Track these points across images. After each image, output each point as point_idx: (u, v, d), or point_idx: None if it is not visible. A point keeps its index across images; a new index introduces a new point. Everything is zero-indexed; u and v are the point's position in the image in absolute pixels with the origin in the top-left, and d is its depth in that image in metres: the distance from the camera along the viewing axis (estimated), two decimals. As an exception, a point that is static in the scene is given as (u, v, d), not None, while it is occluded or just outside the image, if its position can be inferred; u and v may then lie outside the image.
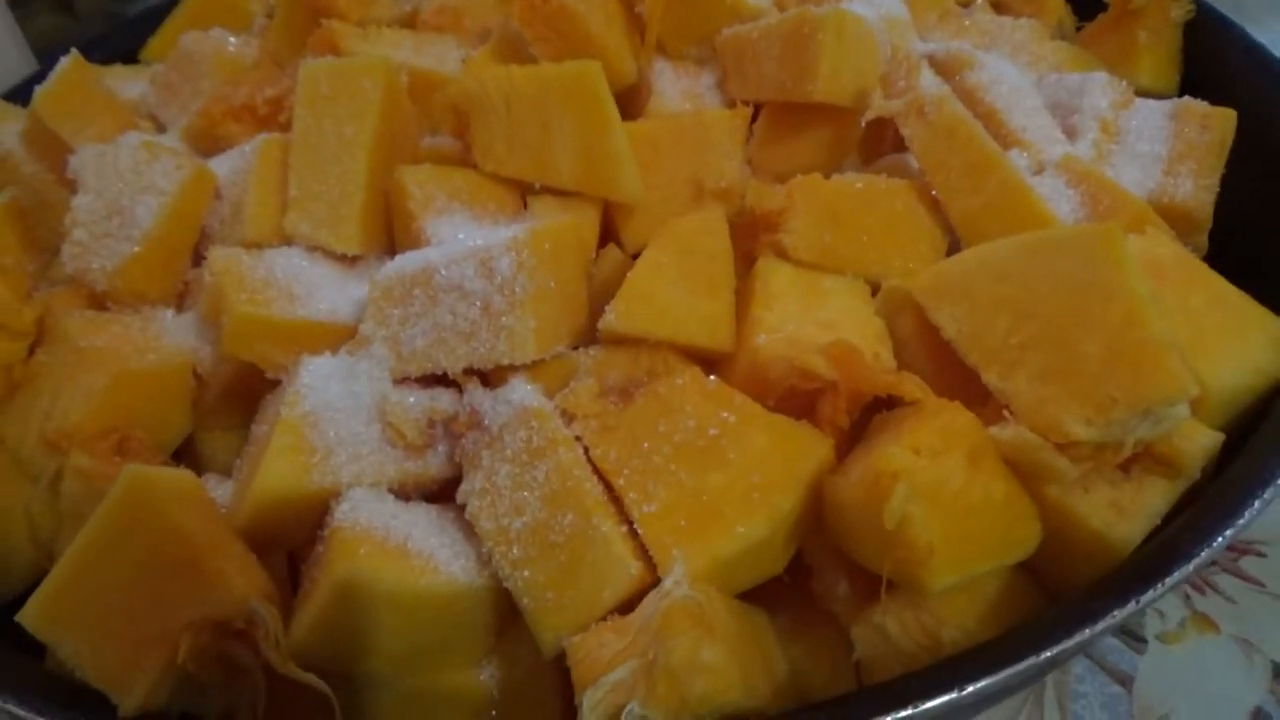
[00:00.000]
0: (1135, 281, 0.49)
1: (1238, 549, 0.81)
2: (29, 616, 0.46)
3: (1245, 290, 0.61)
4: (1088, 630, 0.42)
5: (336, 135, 0.65)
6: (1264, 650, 0.74)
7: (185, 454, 0.67)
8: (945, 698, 0.40)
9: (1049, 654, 0.41)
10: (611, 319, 0.58)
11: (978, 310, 0.54)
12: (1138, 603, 0.43)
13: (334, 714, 0.51)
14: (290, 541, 0.57)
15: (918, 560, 0.45)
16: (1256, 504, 0.46)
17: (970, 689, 0.41)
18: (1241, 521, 0.46)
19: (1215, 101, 0.73)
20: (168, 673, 0.46)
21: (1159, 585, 0.44)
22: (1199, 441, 0.51)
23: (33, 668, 0.49)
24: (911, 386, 0.51)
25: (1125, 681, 0.73)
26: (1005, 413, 0.51)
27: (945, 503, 0.46)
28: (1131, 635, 0.75)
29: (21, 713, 0.44)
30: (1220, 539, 0.45)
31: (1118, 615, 0.43)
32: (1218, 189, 0.72)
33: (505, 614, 0.55)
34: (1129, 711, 0.71)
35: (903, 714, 0.40)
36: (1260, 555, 0.80)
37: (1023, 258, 0.54)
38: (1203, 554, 0.45)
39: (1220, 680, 0.72)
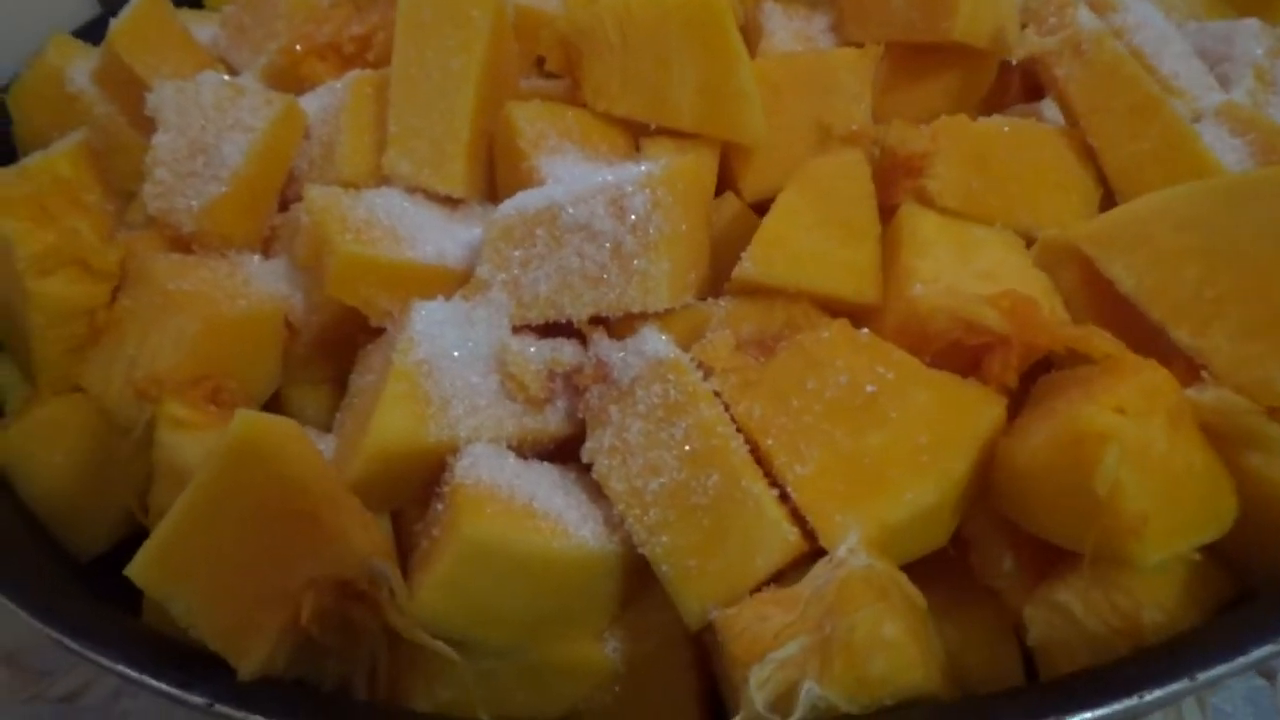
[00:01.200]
0: None
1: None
2: (139, 571, 0.42)
3: None
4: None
5: (441, 68, 0.61)
6: None
7: (271, 409, 0.63)
8: (1176, 685, 0.36)
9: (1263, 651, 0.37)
10: (748, 266, 0.53)
11: (1161, 261, 0.49)
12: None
13: (453, 683, 0.47)
14: (399, 499, 0.53)
15: (1129, 530, 0.40)
16: None
17: (1204, 676, 0.36)
18: None
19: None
20: (287, 634, 0.42)
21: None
22: None
23: (137, 626, 0.45)
24: (1101, 341, 0.46)
25: (1270, 675, 0.68)
26: (1203, 374, 0.46)
27: (1153, 468, 0.41)
28: (1272, 624, 0.70)
29: (132, 674, 0.40)
30: None
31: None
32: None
33: (634, 582, 0.50)
34: (1273, 705, 0.66)
35: (1132, 702, 0.35)
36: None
37: (1212, 203, 0.49)
38: None
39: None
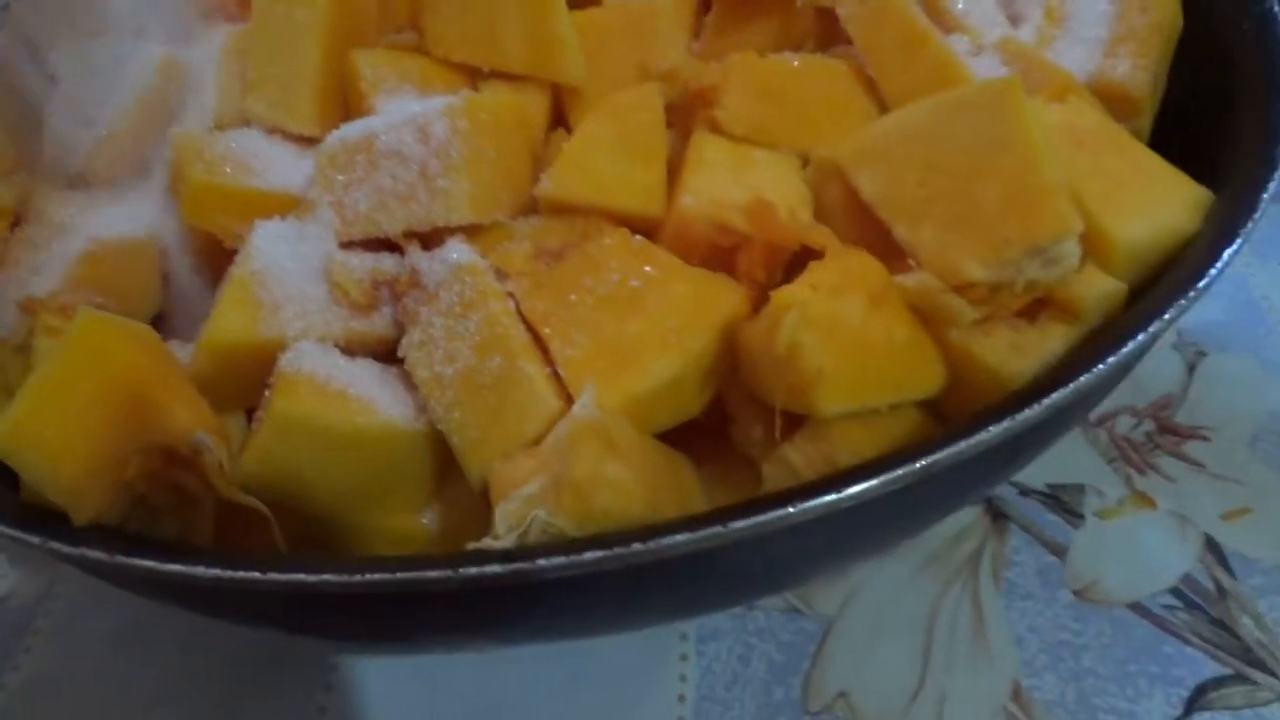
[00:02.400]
0: (1032, 132, 0.51)
1: (1183, 434, 0.83)
2: (-6, 439, 0.50)
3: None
4: (963, 443, 0.45)
5: (289, 20, 0.68)
6: (1198, 524, 0.76)
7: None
8: (827, 497, 0.43)
9: (923, 462, 0.44)
10: (547, 186, 0.61)
11: (892, 169, 0.56)
12: (1014, 419, 0.46)
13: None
14: (244, 396, 0.60)
15: (807, 384, 0.47)
16: (1141, 336, 0.48)
17: (848, 492, 0.44)
18: (1126, 350, 0.48)
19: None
20: (118, 491, 0.50)
21: (1035, 405, 0.46)
22: (1099, 288, 0.54)
23: (7, 496, 0.53)
24: (820, 235, 0.54)
25: (1060, 552, 0.76)
26: (910, 263, 0.53)
27: (840, 335, 0.49)
28: (1070, 512, 0.78)
29: (-14, 525, 0.48)
30: (1102, 365, 0.47)
31: (992, 431, 0.45)
32: (1161, 72, 0.73)
33: (444, 463, 0.58)
34: (1061, 578, 0.74)
35: (780, 512, 0.43)
36: (1205, 439, 0.82)
37: (934, 116, 0.56)
38: (1082, 380, 0.47)
39: (1153, 551, 0.75)
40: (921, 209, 0.54)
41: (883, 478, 0.44)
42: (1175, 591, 0.72)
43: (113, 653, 0.78)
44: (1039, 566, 0.75)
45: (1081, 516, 0.77)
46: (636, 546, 0.43)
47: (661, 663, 0.71)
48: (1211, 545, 0.74)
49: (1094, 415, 0.84)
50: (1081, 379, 0.47)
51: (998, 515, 0.78)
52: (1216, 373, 0.85)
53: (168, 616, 0.69)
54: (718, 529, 0.43)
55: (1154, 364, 0.86)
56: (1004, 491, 0.79)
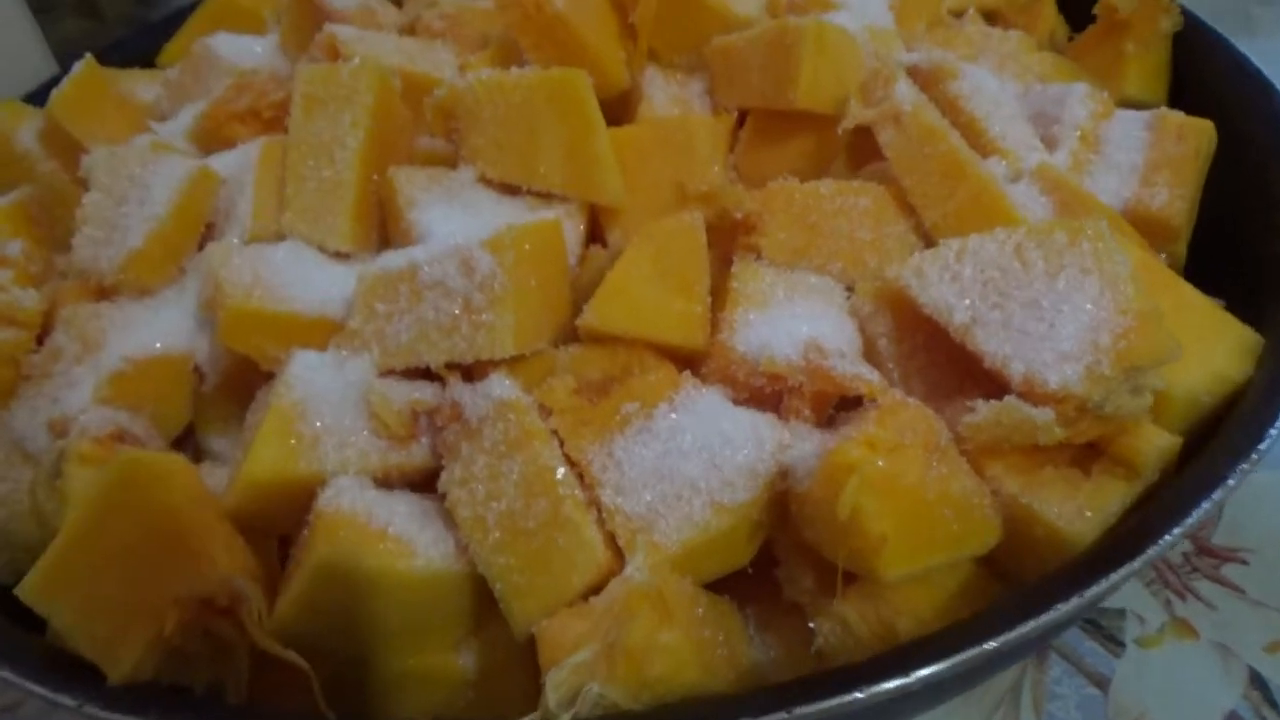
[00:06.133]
0: (1126, 265, 0.51)
1: (1220, 556, 0.82)
2: (27, 589, 0.49)
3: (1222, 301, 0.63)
4: (1031, 623, 0.44)
5: (330, 136, 0.68)
6: (1241, 656, 0.74)
7: (186, 446, 0.69)
8: (895, 683, 0.42)
9: (994, 644, 0.43)
10: (589, 317, 0.60)
11: (962, 288, 0.55)
12: (1083, 596, 0.44)
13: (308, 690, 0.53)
14: (278, 527, 0.59)
15: (870, 549, 0.46)
16: (1205, 504, 0.48)
17: (917, 675, 0.42)
18: (1190, 520, 0.47)
19: (1202, 113, 0.74)
20: (155, 645, 0.48)
21: (1104, 580, 0.45)
22: (1156, 444, 0.53)
23: (29, 640, 0.52)
24: (871, 385, 0.53)
25: (1102, 684, 0.74)
26: (967, 403, 0.52)
27: (899, 495, 0.48)
28: (1110, 639, 0.76)
29: (14, 679, 0.47)
30: (1169, 536, 0.46)
31: (1061, 609, 0.44)
32: (1195, 200, 0.73)
33: (484, 601, 0.56)
34: (1104, 713, 0.72)
35: (849, 698, 0.41)
36: (1243, 563, 0.81)
37: (1013, 249, 0.55)
38: (1149, 550, 0.46)
39: (1196, 684, 0.73)
40: (1004, 326, 0.53)
41: (952, 661, 0.43)
42: (1221, 731, 0.70)
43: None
44: (1080, 699, 0.73)
45: (1122, 644, 0.76)
46: (697, 730, 0.42)
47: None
48: (1256, 680, 0.72)
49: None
50: (1149, 550, 0.46)
51: (1035, 640, 0.76)
52: (1254, 491, 0.84)
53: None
54: (781, 715, 0.42)
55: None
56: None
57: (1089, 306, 0.50)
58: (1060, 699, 0.73)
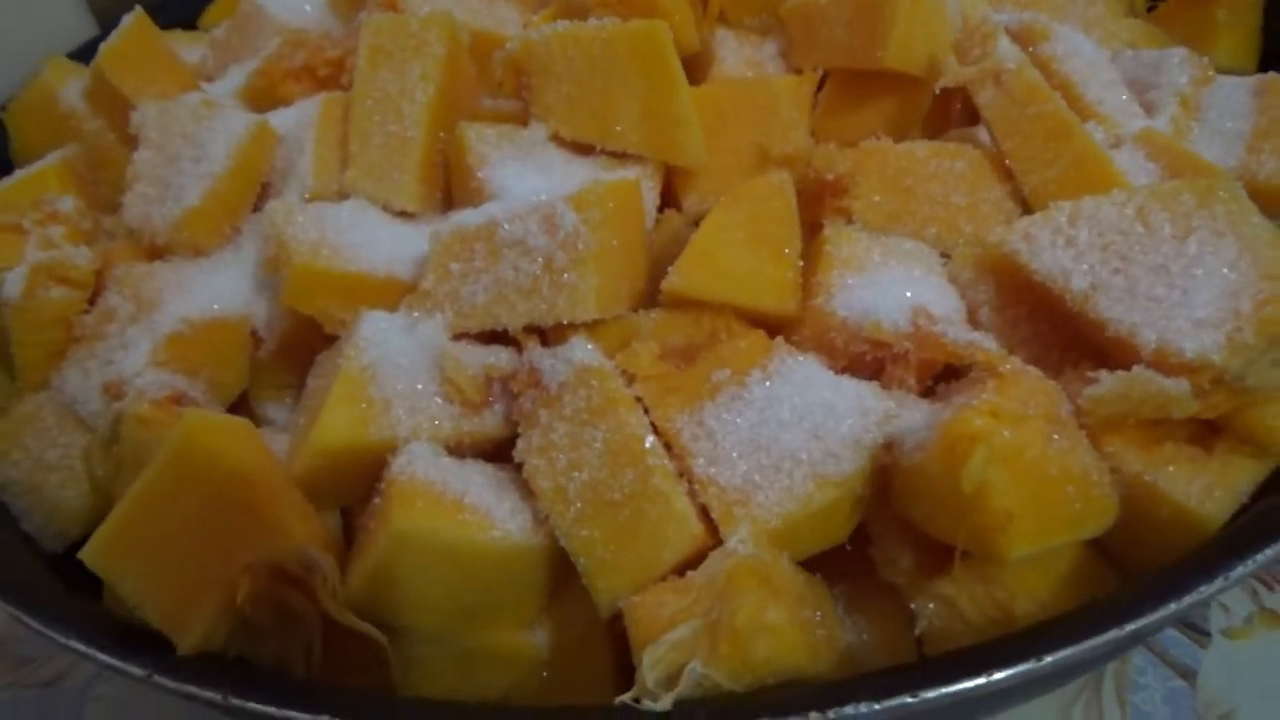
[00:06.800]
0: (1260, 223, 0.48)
1: (1308, 545, 0.78)
2: (91, 554, 0.46)
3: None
4: (1173, 605, 0.40)
5: (398, 90, 0.65)
6: (1336, 649, 0.71)
7: (239, 412, 0.67)
8: (1021, 667, 0.39)
9: (1132, 627, 0.40)
10: (675, 280, 0.57)
11: (1079, 254, 0.52)
12: (1226, 579, 0.41)
13: (386, 666, 0.50)
14: (345, 496, 0.57)
15: (996, 526, 0.43)
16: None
17: (1049, 659, 0.39)
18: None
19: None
20: (225, 615, 0.46)
21: (1249, 561, 0.42)
22: (1288, 419, 0.49)
23: (93, 608, 0.49)
24: (988, 354, 0.49)
25: (1188, 675, 0.71)
26: (1086, 374, 0.49)
27: (1024, 469, 0.44)
28: (1195, 629, 0.73)
29: (84, 649, 0.44)
30: (1316, 518, 0.43)
31: (1205, 591, 0.41)
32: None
33: (560, 575, 0.54)
34: (1191, 706, 0.69)
35: (972, 684, 0.38)
36: (1333, 552, 0.77)
37: (1135, 210, 0.52)
38: (1295, 531, 0.43)
39: (1289, 677, 0.70)
40: (1128, 292, 0.50)
41: (1087, 644, 0.40)
42: (1316, 725, 0.67)
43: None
44: (1166, 692, 0.70)
45: (1208, 634, 0.72)
46: (814, 716, 0.39)
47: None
48: (1355, 674, 0.69)
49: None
50: (1295, 531, 0.42)
51: (1119, 630, 0.72)
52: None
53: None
54: (905, 699, 0.39)
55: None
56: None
57: (1225, 271, 0.47)
58: (1145, 690, 0.70)
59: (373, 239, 0.62)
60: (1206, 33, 0.82)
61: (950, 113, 0.75)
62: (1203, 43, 0.81)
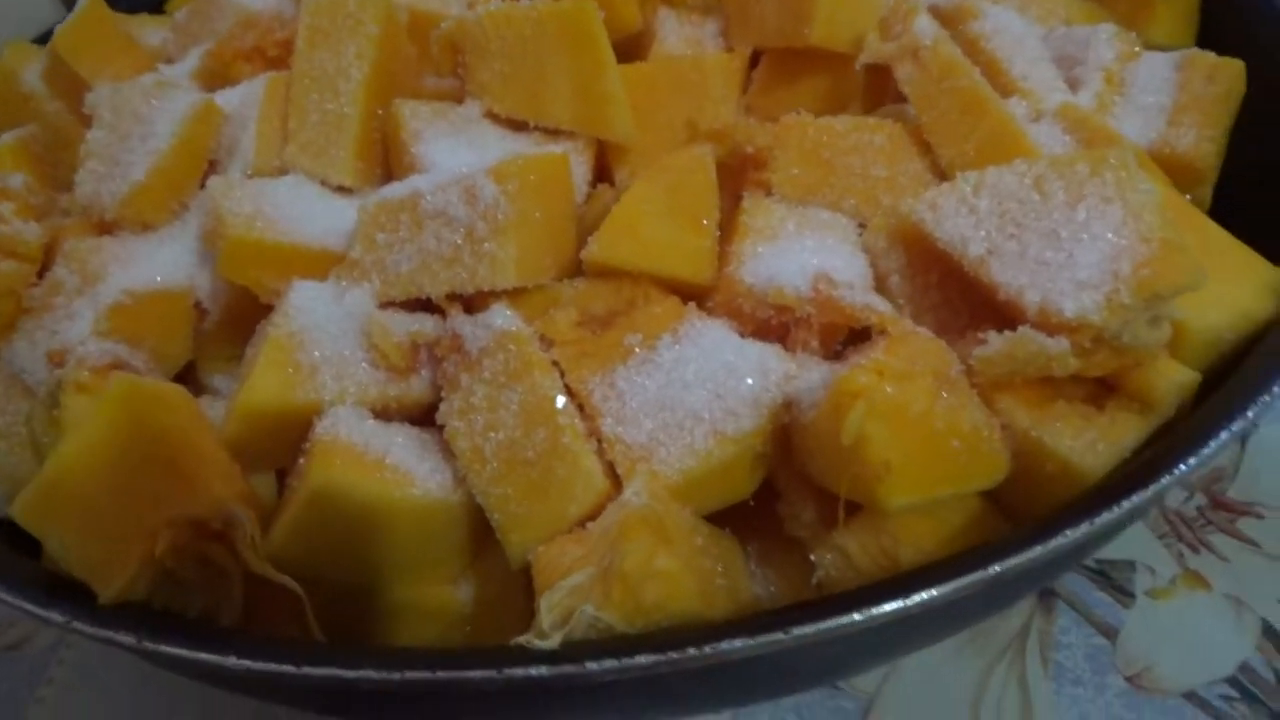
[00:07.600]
0: (1149, 193, 0.49)
1: (1236, 510, 0.80)
2: (19, 509, 0.48)
3: (1253, 246, 0.61)
4: (1038, 548, 0.42)
5: (335, 69, 0.67)
6: (1254, 608, 0.73)
7: (187, 384, 0.69)
8: (893, 605, 0.41)
9: (997, 568, 0.42)
10: (595, 250, 0.59)
11: (979, 221, 0.53)
12: (1092, 524, 0.43)
13: (305, 618, 0.52)
14: (275, 458, 0.59)
15: (874, 477, 0.45)
16: (1223, 435, 0.46)
17: (916, 598, 0.41)
18: (1206, 451, 0.45)
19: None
20: (146, 567, 0.48)
21: (1115, 508, 0.44)
22: (1173, 378, 0.51)
23: (22, 561, 0.51)
24: (881, 316, 0.51)
25: (1110, 634, 0.73)
26: (980, 335, 0.51)
27: (907, 424, 0.46)
28: (1120, 590, 0.75)
29: (11, 600, 0.46)
30: (1182, 467, 0.45)
31: (1070, 535, 0.43)
32: (1224, 141, 0.71)
33: (480, 534, 0.56)
34: (1112, 662, 0.71)
35: (843, 620, 0.40)
36: (1259, 517, 0.79)
37: (1032, 180, 0.53)
38: (1163, 480, 0.45)
39: (1208, 635, 0.72)
40: (1020, 256, 0.51)
41: (954, 584, 0.42)
42: (1232, 681, 0.69)
43: (130, 706, 0.76)
44: (1088, 649, 0.72)
45: (1132, 595, 0.74)
46: (691, 651, 0.41)
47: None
48: (1270, 632, 0.71)
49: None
50: (1163, 480, 0.44)
51: (1045, 592, 0.75)
52: (1270, 446, 0.82)
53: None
54: (779, 635, 0.41)
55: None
56: (1051, 567, 0.76)
57: (1110, 235, 0.49)
58: (1067, 648, 0.72)
59: (309, 213, 0.64)
60: (1145, 9, 0.83)
61: (888, 87, 0.76)
62: (1141, 19, 0.83)
